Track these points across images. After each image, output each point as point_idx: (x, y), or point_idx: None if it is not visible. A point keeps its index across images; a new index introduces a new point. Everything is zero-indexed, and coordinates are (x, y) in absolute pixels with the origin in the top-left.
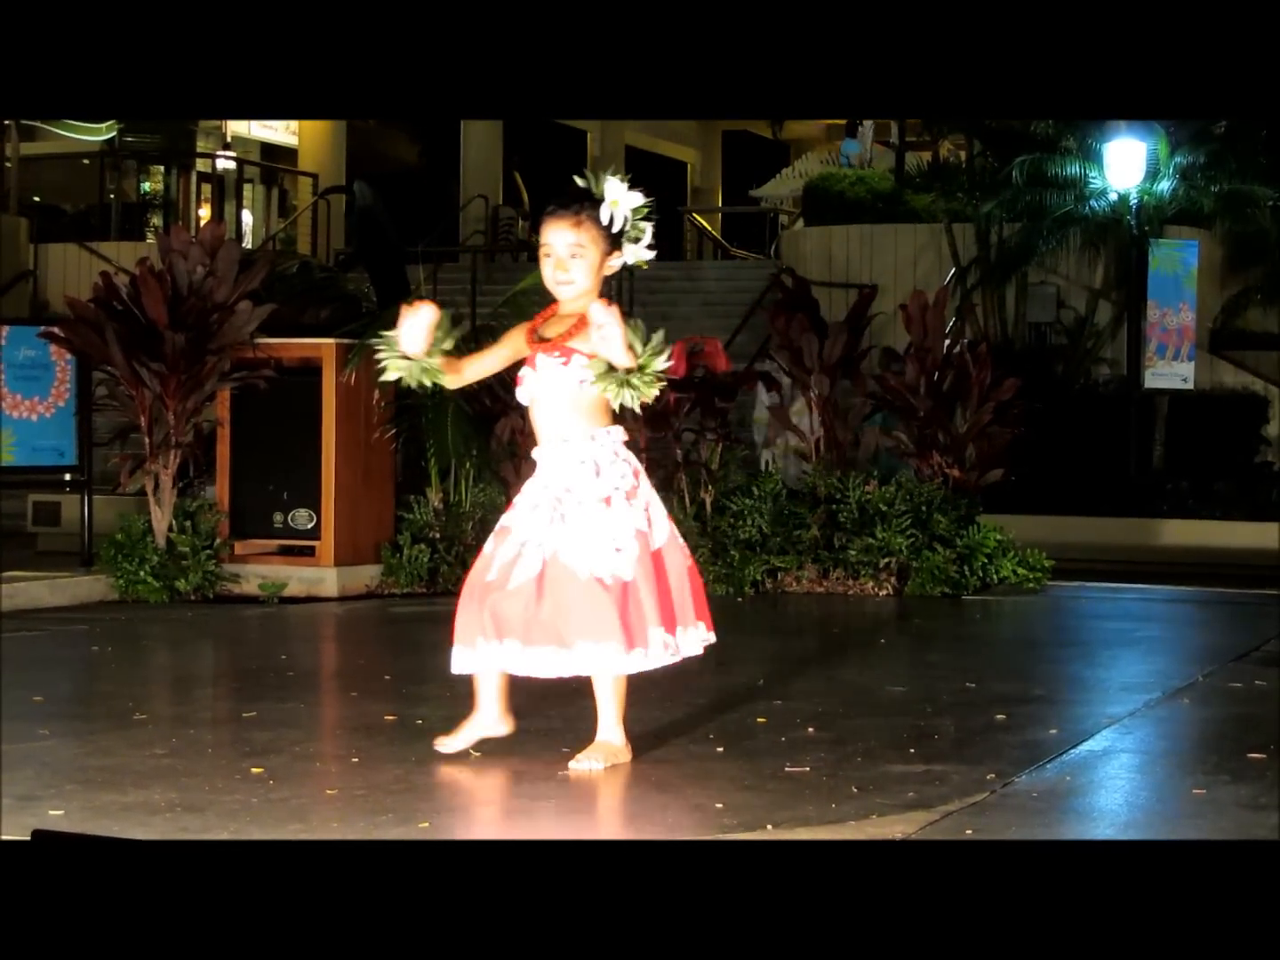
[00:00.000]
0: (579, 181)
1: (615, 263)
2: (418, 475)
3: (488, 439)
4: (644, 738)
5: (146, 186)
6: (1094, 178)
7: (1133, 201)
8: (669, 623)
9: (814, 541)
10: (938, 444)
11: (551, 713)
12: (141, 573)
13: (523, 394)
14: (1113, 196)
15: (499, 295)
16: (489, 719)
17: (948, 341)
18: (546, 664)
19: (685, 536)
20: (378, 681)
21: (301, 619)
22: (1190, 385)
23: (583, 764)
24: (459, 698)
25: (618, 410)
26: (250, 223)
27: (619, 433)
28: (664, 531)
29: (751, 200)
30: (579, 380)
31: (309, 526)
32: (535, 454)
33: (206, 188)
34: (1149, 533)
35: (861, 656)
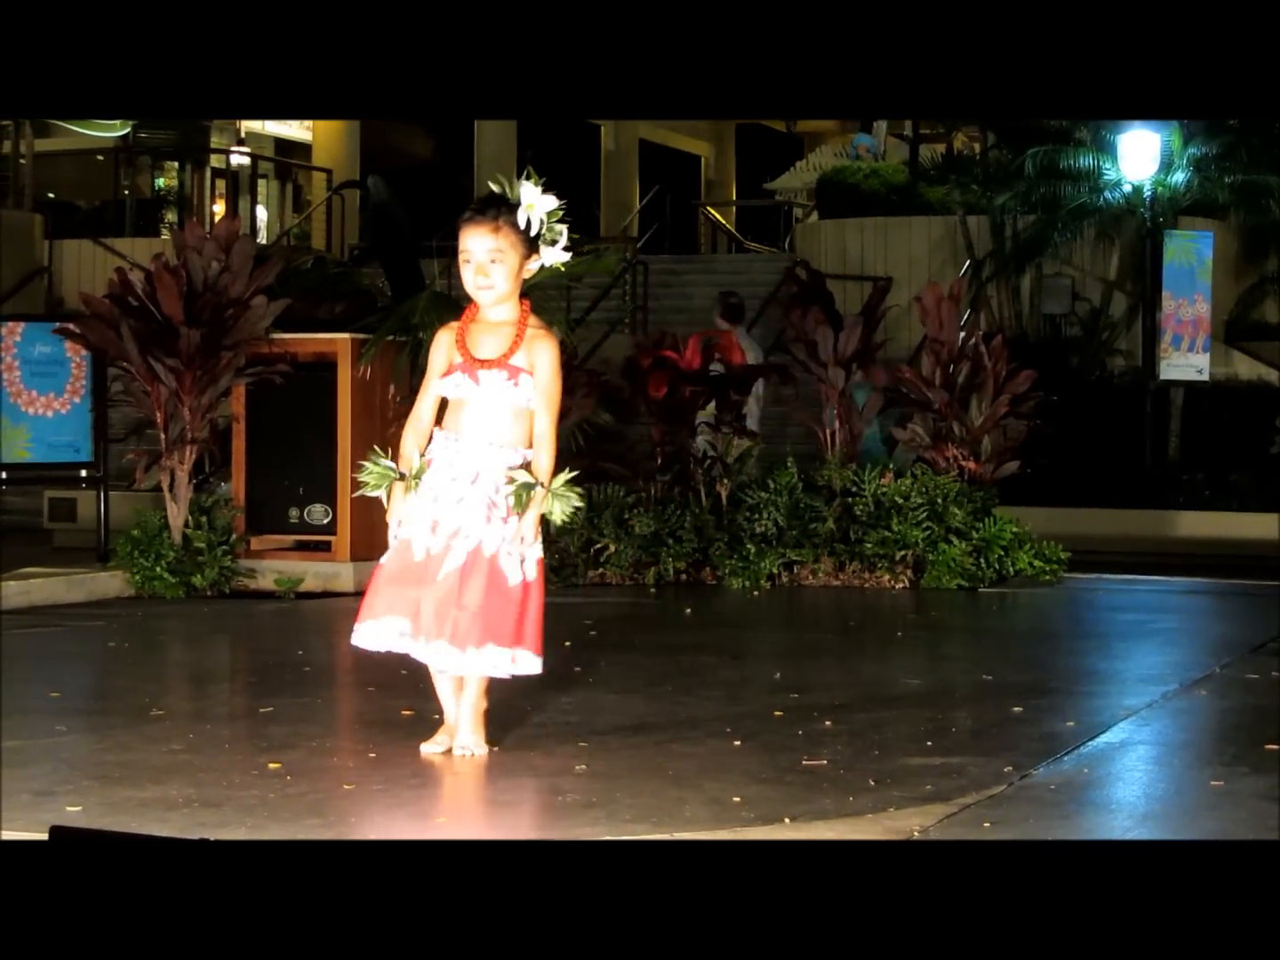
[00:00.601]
0: (493, 187)
1: (533, 265)
2: None
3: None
4: (661, 730)
5: (161, 182)
6: (1108, 169)
7: (1147, 193)
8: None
9: (830, 535)
10: (953, 436)
11: (567, 707)
12: (158, 568)
13: (451, 390)
14: (1127, 188)
15: None
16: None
17: (963, 334)
18: (448, 659)
19: (701, 529)
20: (394, 676)
21: (318, 614)
22: (1205, 377)
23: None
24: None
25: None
26: (265, 218)
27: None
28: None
29: (766, 193)
30: (526, 398)
31: (325, 521)
32: (448, 440)
33: (221, 183)
34: (1165, 524)
35: (878, 650)
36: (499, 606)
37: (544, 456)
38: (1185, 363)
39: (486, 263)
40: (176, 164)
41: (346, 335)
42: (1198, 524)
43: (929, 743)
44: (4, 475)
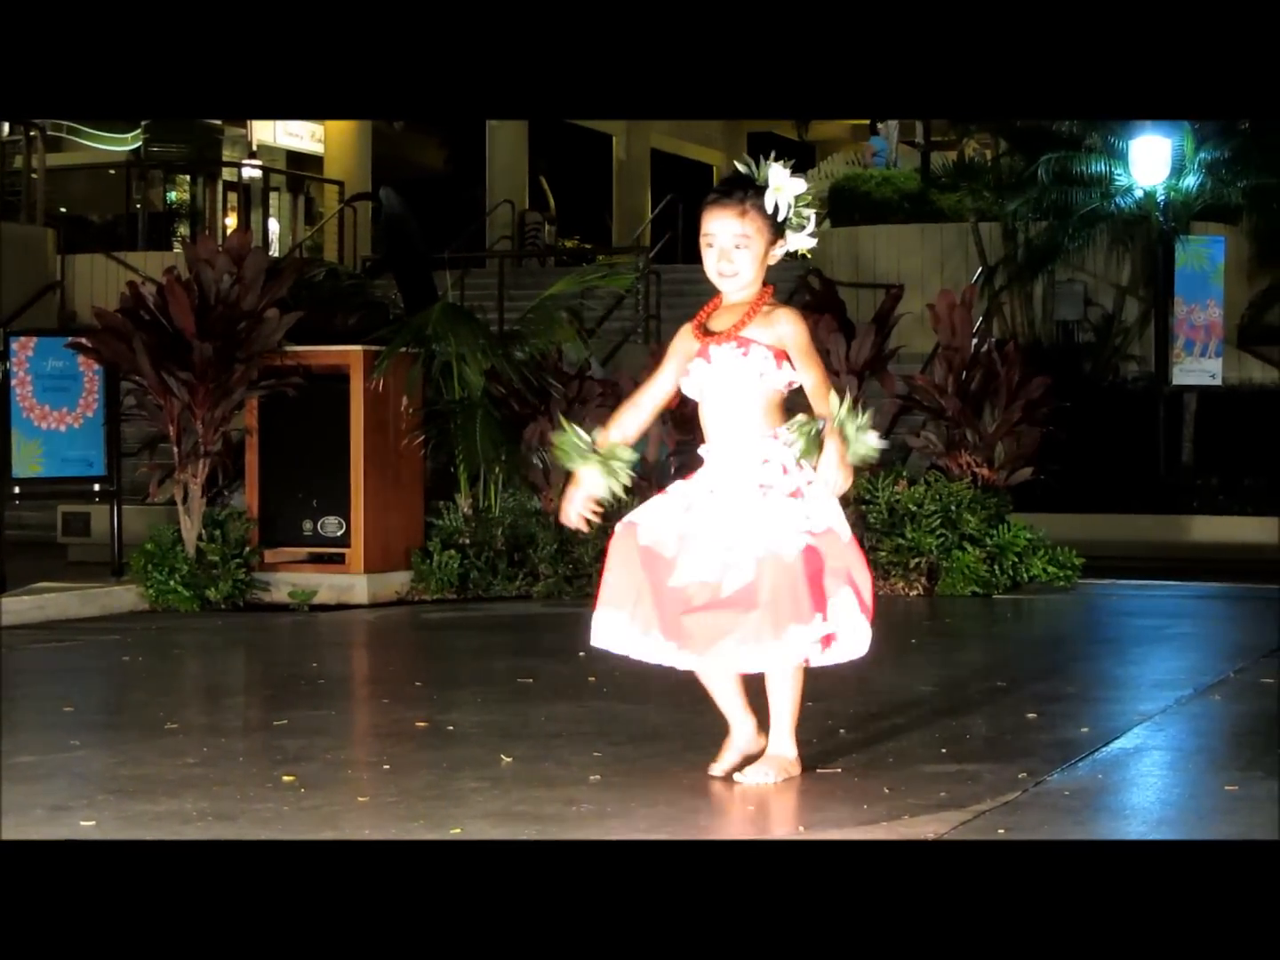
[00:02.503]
0: (740, 168)
1: (778, 251)
2: (447, 481)
3: (517, 444)
4: (675, 740)
5: (173, 196)
6: (1119, 175)
7: (1159, 198)
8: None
9: None
10: (967, 443)
11: (581, 716)
12: (172, 582)
13: (691, 386)
14: (1139, 193)
15: (526, 300)
16: (742, 735)
17: (975, 340)
18: (750, 659)
19: None
20: (409, 688)
21: (332, 626)
22: (1218, 381)
23: (752, 778)
24: (490, 703)
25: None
26: (277, 231)
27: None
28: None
29: None
30: (759, 373)
31: (339, 534)
32: (704, 451)
33: (233, 196)
34: (1179, 529)
35: (892, 657)
36: (788, 590)
37: (824, 404)
38: (1198, 368)
39: (731, 248)
40: (188, 177)
41: (359, 347)
42: (1211, 529)
43: (943, 750)
44: (18, 490)
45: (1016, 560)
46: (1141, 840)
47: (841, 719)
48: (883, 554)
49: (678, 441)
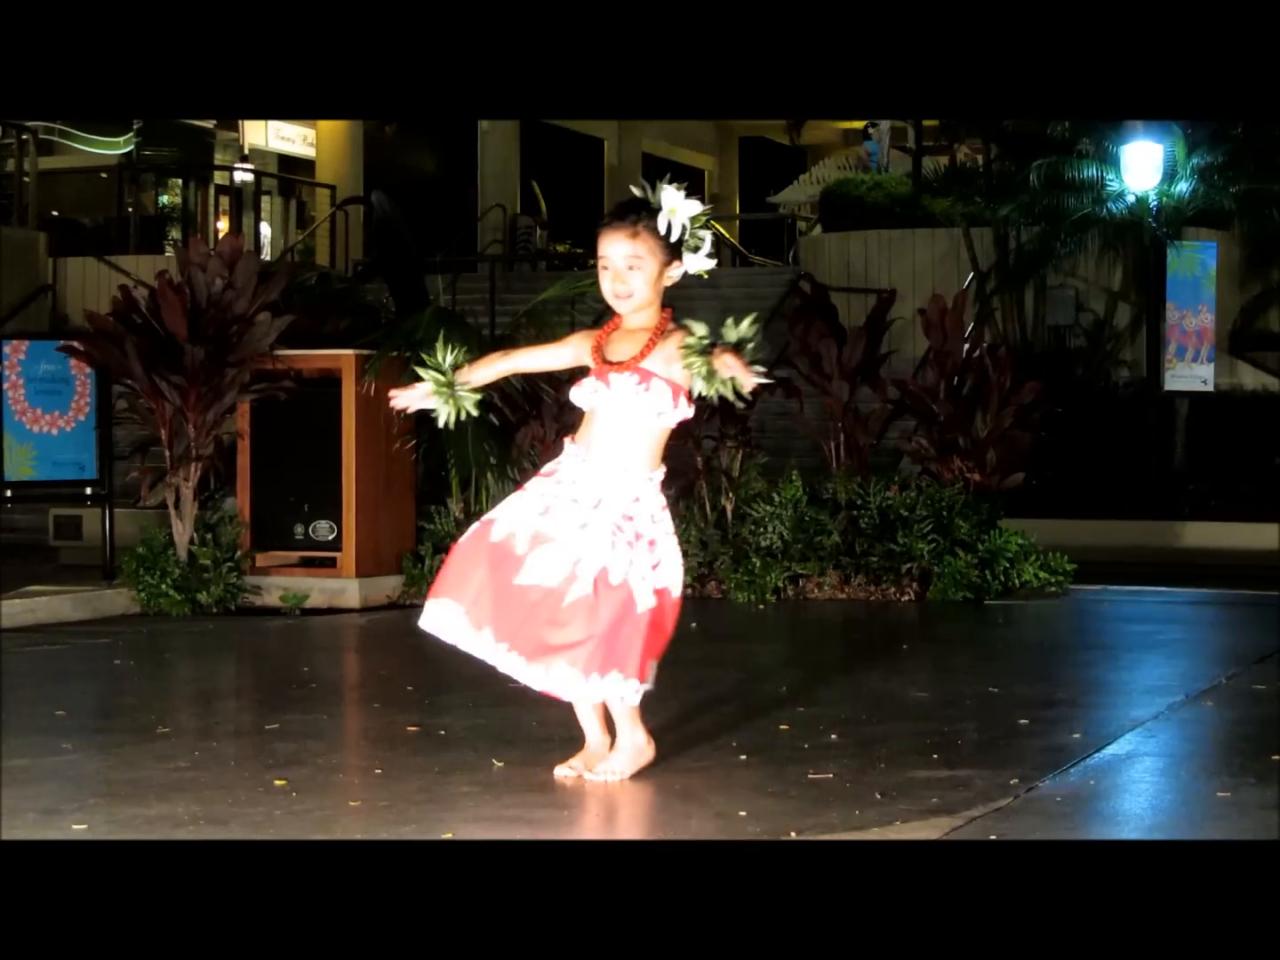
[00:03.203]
0: (635, 191)
1: (675, 273)
2: (439, 485)
3: (508, 448)
4: (667, 744)
5: (165, 200)
6: (1111, 180)
7: (1151, 203)
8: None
9: (835, 548)
10: (958, 448)
11: (572, 721)
12: (163, 585)
13: (583, 399)
14: (1130, 198)
15: (517, 304)
16: (598, 745)
17: (967, 345)
18: (563, 683)
19: (706, 543)
20: (400, 692)
21: (323, 630)
22: (1210, 387)
23: (601, 775)
24: (481, 708)
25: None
26: (268, 235)
27: (660, 475)
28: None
29: (769, 206)
30: (657, 411)
31: (330, 538)
32: (577, 456)
33: (224, 200)
34: (1171, 535)
35: (884, 662)
36: (626, 634)
37: None
38: (1190, 373)
39: (624, 269)
40: (180, 181)
41: (351, 351)
42: (1203, 534)
43: (935, 755)
44: (9, 493)
45: (1008, 565)
46: (1132, 841)
47: (833, 724)
48: (874, 559)
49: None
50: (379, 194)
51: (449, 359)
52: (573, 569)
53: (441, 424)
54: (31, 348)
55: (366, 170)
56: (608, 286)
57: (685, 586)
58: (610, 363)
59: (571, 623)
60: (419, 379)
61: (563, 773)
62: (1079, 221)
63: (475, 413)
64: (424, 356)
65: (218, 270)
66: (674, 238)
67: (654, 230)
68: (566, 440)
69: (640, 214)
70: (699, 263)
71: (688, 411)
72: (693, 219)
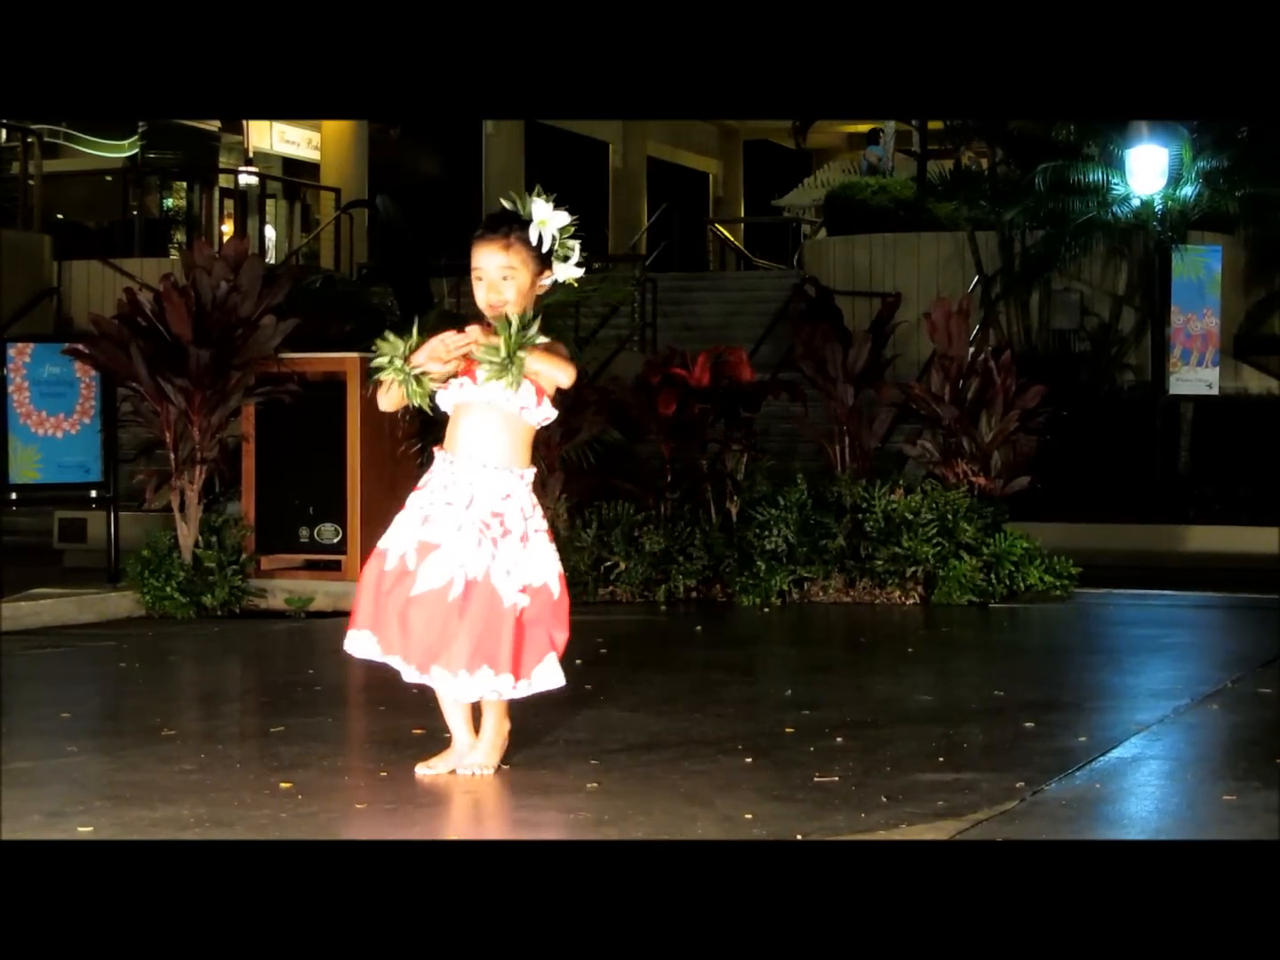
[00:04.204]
0: (505, 204)
1: (545, 282)
2: None
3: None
4: (673, 748)
5: (169, 203)
6: (1116, 183)
7: (1156, 207)
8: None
9: (840, 551)
10: (963, 452)
11: (578, 724)
12: (168, 588)
13: (448, 398)
14: (1135, 202)
15: None
16: (464, 748)
17: (972, 349)
18: (443, 683)
19: (711, 546)
20: (405, 695)
21: (328, 633)
22: (1215, 390)
23: (468, 768)
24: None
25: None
26: (273, 238)
27: (531, 475)
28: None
29: (774, 210)
30: (520, 406)
31: (335, 540)
32: (445, 461)
33: (229, 203)
34: (1175, 539)
35: (889, 666)
36: (492, 629)
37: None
38: (1194, 377)
39: (499, 280)
40: (185, 184)
41: (355, 354)
42: (1208, 538)
43: (941, 759)
44: (14, 496)
45: (1013, 569)
46: (1137, 843)
47: (839, 727)
48: (879, 563)
49: (673, 450)
50: (383, 197)
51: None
52: (456, 571)
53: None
54: (36, 351)
55: (371, 173)
56: (482, 296)
57: (690, 590)
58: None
59: (447, 624)
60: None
61: (423, 772)
62: (1084, 225)
63: (419, 402)
64: (381, 339)
65: (223, 273)
66: (545, 248)
67: (526, 241)
68: (435, 449)
69: (513, 226)
70: (568, 271)
71: (549, 412)
72: (561, 230)
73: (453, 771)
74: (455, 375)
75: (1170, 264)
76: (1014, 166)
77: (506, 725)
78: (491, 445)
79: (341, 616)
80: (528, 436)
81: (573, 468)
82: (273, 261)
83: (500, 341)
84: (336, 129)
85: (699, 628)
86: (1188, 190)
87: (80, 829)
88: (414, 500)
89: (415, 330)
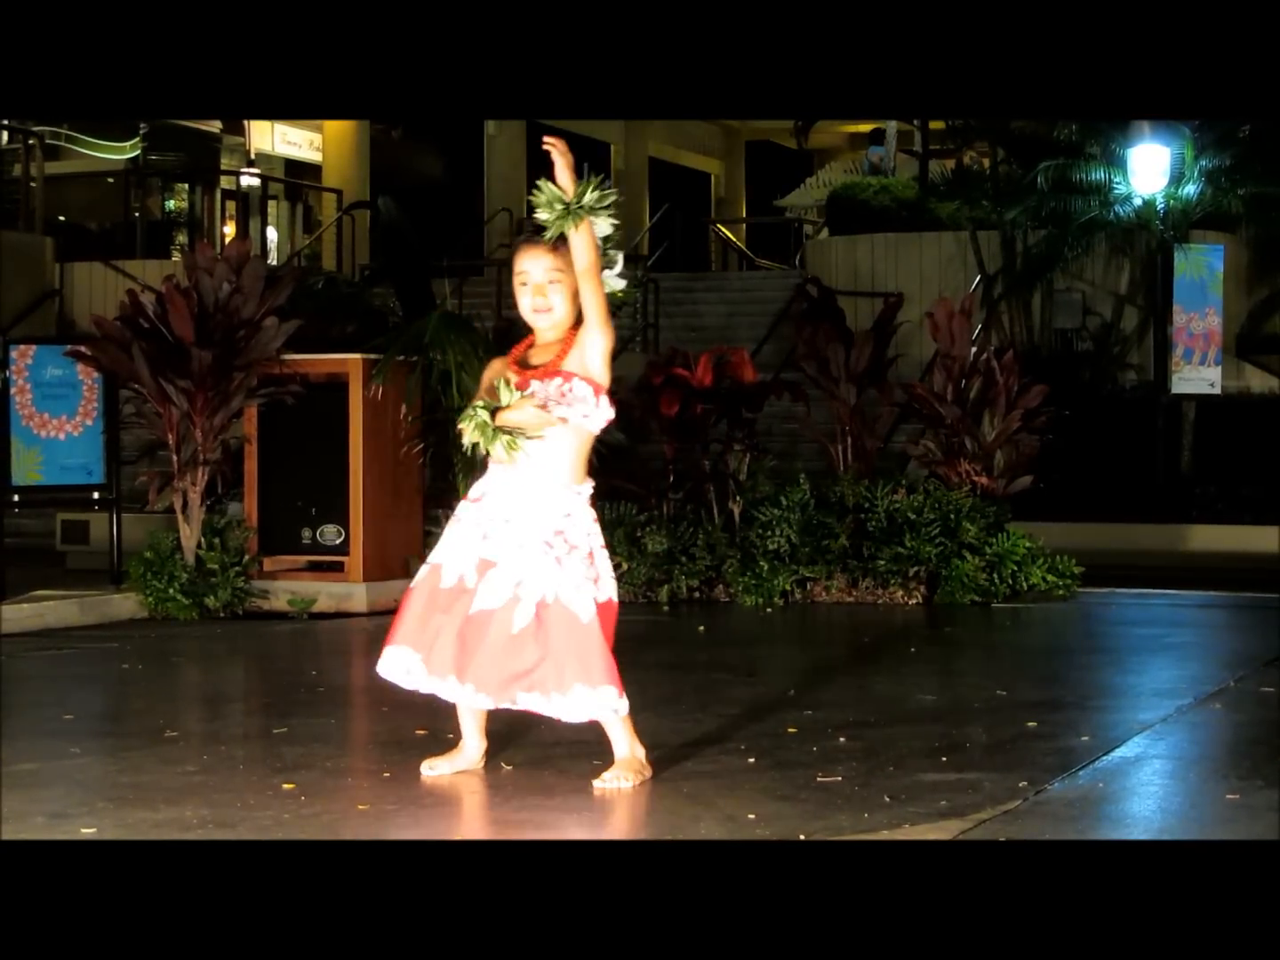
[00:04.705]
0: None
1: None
2: (445, 489)
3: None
4: (676, 749)
5: (171, 204)
6: (1118, 183)
7: (1159, 206)
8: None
9: (843, 551)
10: (965, 451)
11: (580, 724)
12: (171, 590)
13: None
14: (1138, 201)
15: None
16: (473, 752)
17: (974, 349)
18: (538, 707)
19: (713, 547)
20: (408, 696)
21: (331, 634)
22: (1217, 390)
23: (610, 782)
24: (490, 712)
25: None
26: (275, 239)
27: (589, 489)
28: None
29: (776, 210)
30: (582, 413)
31: (337, 542)
32: (499, 478)
33: (231, 205)
34: (1178, 538)
35: (892, 665)
36: (579, 647)
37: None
38: (1197, 376)
39: (545, 284)
40: (187, 186)
41: (358, 355)
42: (1210, 537)
43: (944, 758)
44: (17, 498)
45: (1015, 569)
46: (1141, 843)
47: (841, 727)
48: (881, 562)
49: (676, 450)
50: (385, 198)
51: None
52: (515, 590)
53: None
54: (39, 352)
55: (373, 174)
56: (527, 302)
57: (693, 590)
58: (531, 368)
59: (524, 649)
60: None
61: (427, 772)
62: (1086, 225)
63: (489, 449)
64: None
65: (225, 275)
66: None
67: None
68: (490, 461)
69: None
70: (611, 281)
71: (609, 412)
72: (605, 238)
73: (457, 772)
74: (519, 388)
75: (1172, 263)
76: (1016, 166)
77: (639, 747)
78: (550, 460)
79: (344, 618)
80: (587, 446)
81: None
82: (275, 263)
83: (552, 195)
84: (338, 130)
85: (701, 628)
86: (1190, 189)
87: (83, 830)
88: (467, 513)
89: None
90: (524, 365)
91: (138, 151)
